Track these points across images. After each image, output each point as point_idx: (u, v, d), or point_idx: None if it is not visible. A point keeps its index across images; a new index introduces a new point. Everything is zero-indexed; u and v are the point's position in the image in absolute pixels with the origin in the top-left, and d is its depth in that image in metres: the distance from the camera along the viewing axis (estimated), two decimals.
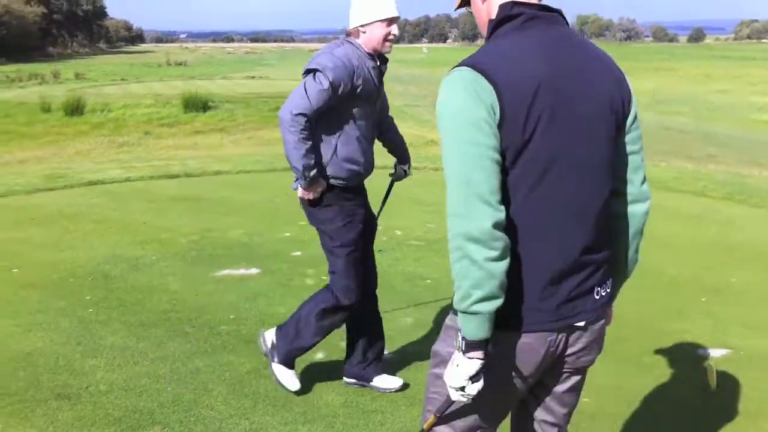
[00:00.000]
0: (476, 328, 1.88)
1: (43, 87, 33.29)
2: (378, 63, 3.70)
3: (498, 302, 1.86)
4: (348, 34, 3.68)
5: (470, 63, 1.91)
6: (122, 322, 4.98)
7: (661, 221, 8.04)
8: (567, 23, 2.06)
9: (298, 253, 6.57)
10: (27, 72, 42.00)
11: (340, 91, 3.51)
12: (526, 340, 1.98)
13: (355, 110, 3.64)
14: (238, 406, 3.86)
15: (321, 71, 3.50)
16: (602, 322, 2.15)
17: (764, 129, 23.32)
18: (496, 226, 1.83)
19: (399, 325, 4.97)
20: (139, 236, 7.13)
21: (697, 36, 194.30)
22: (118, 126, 20.23)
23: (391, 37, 3.62)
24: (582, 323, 2.05)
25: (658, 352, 4.62)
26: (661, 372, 4.34)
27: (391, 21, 3.60)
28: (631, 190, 2.12)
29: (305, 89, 3.50)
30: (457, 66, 1.93)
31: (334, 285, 3.81)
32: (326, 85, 3.48)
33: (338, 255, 3.76)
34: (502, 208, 1.86)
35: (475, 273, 1.84)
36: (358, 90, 3.58)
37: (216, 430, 3.61)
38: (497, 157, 1.86)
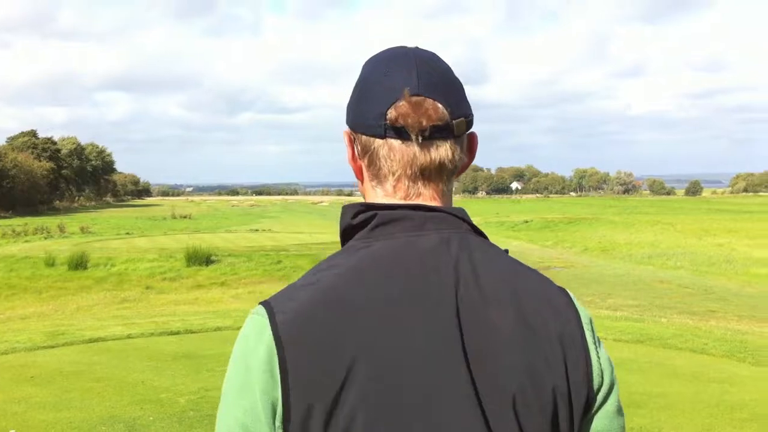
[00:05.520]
0: None
1: (49, 241, 33.96)
2: None
3: None
4: None
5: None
6: None
7: (660, 380, 8.03)
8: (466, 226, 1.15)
9: None
10: (33, 226, 42.92)
11: None
12: None
13: None
14: None
15: None
16: None
17: (764, 283, 23.44)
18: None
19: None
20: (138, 396, 7.11)
21: (694, 189, 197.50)
22: (121, 280, 20.46)
23: None
24: None
25: None
26: None
27: None
28: None
29: None
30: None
31: None
32: None
33: None
34: None
35: None
36: None
37: None
38: None
